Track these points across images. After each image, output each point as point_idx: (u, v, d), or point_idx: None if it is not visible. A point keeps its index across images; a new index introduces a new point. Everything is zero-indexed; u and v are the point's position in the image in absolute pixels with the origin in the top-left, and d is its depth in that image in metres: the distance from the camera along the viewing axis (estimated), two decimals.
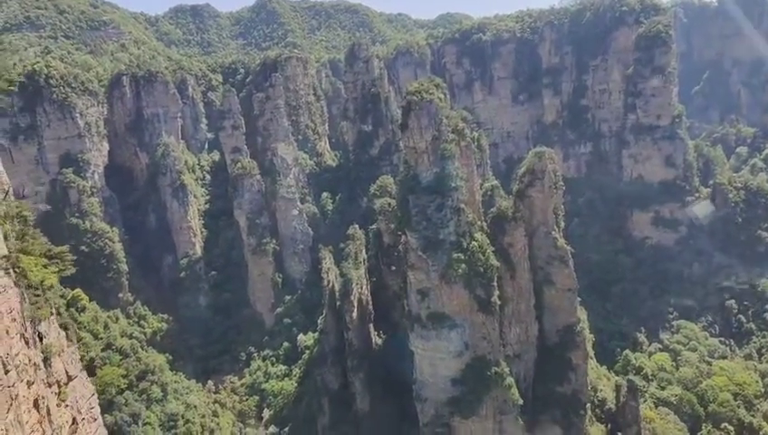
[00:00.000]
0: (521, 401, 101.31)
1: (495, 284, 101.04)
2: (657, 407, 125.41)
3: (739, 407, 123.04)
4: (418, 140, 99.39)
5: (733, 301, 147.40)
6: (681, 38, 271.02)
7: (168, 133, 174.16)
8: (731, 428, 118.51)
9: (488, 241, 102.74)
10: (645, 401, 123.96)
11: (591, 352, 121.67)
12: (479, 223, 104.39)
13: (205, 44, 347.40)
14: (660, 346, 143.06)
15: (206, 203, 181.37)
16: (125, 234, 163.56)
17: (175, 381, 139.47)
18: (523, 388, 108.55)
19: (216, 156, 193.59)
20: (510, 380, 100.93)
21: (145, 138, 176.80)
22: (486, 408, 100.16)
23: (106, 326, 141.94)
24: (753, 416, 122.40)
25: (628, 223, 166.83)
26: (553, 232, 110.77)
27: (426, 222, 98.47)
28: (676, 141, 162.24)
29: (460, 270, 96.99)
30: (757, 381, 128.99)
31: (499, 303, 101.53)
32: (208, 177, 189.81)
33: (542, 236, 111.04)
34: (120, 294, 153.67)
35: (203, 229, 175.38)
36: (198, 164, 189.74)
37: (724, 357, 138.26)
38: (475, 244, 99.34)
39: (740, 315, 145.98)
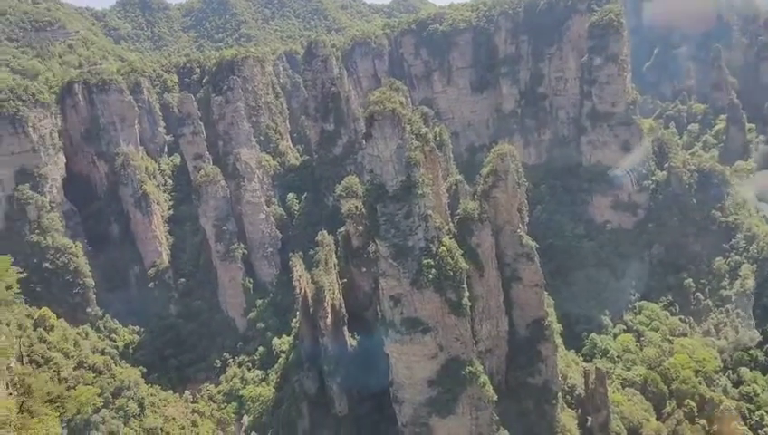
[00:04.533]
0: (495, 397, 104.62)
1: (465, 285, 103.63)
2: (624, 388, 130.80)
3: (700, 383, 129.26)
4: (383, 150, 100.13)
5: (690, 280, 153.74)
6: (631, 13, 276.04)
7: (126, 141, 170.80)
8: (693, 403, 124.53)
9: (456, 244, 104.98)
10: (612, 383, 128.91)
11: (560, 341, 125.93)
12: (446, 226, 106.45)
13: (156, 38, 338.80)
14: (624, 327, 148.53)
15: (169, 209, 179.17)
16: (88, 245, 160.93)
17: (151, 395, 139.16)
18: (496, 381, 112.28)
19: (176, 159, 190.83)
20: (484, 377, 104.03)
21: (102, 146, 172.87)
22: (463, 406, 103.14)
23: (76, 344, 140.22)
24: (713, 391, 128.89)
25: (589, 208, 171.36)
26: (519, 230, 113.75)
27: (394, 230, 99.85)
28: (631, 127, 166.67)
29: (431, 275, 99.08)
30: (716, 357, 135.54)
31: (469, 304, 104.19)
32: (170, 181, 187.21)
33: (507, 235, 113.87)
34: (89, 309, 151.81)
35: (168, 236, 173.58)
36: (159, 169, 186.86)
37: (685, 335, 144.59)
38: (444, 248, 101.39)
39: (698, 293, 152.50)
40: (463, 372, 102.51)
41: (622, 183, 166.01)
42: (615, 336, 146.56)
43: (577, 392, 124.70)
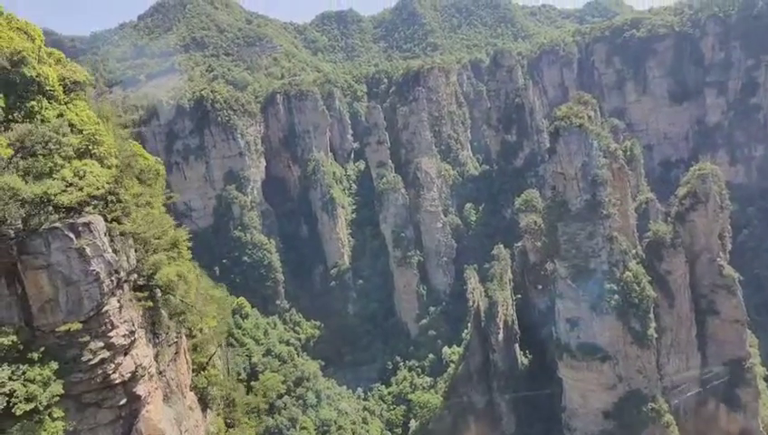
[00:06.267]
0: None
1: (652, 315, 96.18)
2: None
3: None
4: (567, 166, 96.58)
5: None
6: None
7: (317, 148, 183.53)
8: None
9: (643, 270, 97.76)
10: None
11: (764, 387, 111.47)
12: (634, 250, 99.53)
13: (349, 49, 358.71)
14: None
15: (352, 212, 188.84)
16: (280, 243, 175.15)
17: (327, 388, 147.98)
18: (683, 422, 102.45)
19: (361, 165, 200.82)
20: (668, 417, 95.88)
21: (297, 152, 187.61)
22: None
23: (266, 332, 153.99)
24: None
25: None
26: (718, 259, 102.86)
27: (575, 251, 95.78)
28: None
29: (613, 302, 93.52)
30: None
31: (656, 335, 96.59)
32: (354, 186, 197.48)
33: (705, 263, 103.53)
34: (278, 302, 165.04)
35: (350, 238, 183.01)
36: (345, 174, 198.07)
37: None
38: (629, 274, 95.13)
39: None
40: (644, 408, 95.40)
41: None
42: None
43: None
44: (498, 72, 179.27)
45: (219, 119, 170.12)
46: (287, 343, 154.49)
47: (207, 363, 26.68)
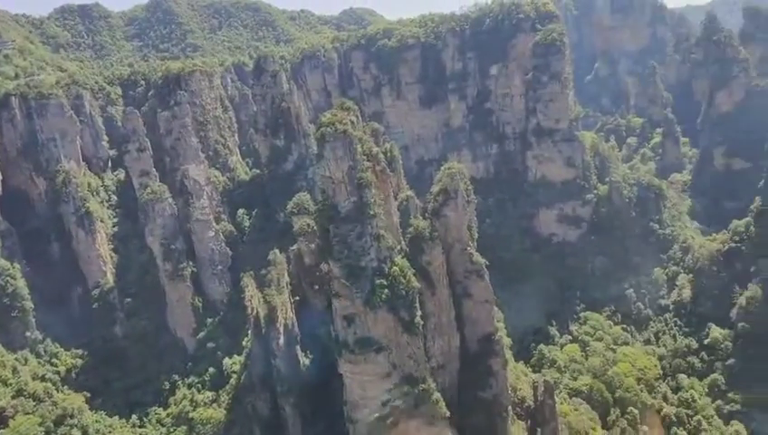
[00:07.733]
0: (448, 414, 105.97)
1: (417, 304, 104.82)
2: (570, 398, 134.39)
3: (642, 391, 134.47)
4: (334, 171, 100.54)
5: (631, 290, 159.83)
6: (572, 29, 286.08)
7: (67, 158, 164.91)
8: (636, 411, 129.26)
9: (408, 263, 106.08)
10: (560, 393, 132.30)
11: (510, 355, 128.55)
12: (398, 246, 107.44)
13: (97, 47, 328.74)
14: (570, 338, 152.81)
15: (113, 226, 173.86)
16: (26, 266, 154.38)
17: (96, 421, 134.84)
18: (448, 396, 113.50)
19: (120, 174, 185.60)
20: (437, 395, 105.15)
21: (41, 162, 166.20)
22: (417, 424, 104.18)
23: (14, 370, 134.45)
24: (654, 398, 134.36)
25: (535, 221, 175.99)
26: (468, 247, 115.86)
27: (347, 251, 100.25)
28: (574, 143, 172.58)
29: (383, 295, 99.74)
30: (656, 365, 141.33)
31: (422, 322, 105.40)
32: (114, 198, 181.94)
33: (458, 253, 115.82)
34: (27, 333, 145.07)
35: (113, 254, 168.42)
36: (103, 185, 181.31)
37: (627, 343, 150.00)
38: (396, 268, 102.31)
39: (638, 303, 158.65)
40: (416, 391, 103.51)
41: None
42: (562, 347, 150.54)
43: (527, 404, 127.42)
44: (263, 77, 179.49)
45: None
46: (43, 379, 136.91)
47: None
